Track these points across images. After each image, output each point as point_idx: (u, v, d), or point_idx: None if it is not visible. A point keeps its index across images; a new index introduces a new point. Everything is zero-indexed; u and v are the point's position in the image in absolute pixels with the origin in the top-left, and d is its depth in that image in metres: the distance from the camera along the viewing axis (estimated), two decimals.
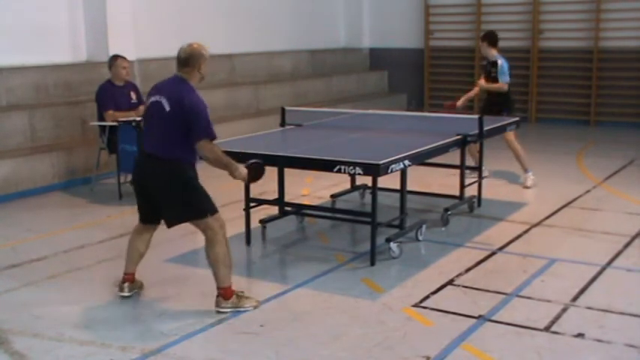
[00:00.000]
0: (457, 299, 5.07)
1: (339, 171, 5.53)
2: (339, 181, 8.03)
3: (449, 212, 6.89)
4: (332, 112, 8.58)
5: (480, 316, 4.75)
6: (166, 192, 4.77)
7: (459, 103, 8.74)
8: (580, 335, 4.47)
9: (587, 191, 8.14)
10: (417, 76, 14.81)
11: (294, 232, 6.82)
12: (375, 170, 5.43)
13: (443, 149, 6.40)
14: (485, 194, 7.65)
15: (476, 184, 7.44)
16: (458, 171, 7.14)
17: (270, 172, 6.36)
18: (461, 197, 7.13)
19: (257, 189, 6.94)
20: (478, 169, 7.58)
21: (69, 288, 5.40)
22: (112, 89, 8.18)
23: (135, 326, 4.79)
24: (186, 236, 6.20)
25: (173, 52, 4.99)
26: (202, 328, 4.61)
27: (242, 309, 4.83)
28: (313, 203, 7.63)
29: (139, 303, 5.08)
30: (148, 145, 4.84)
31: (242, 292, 4.96)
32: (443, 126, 7.30)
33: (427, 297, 5.10)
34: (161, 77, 5.16)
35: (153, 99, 4.82)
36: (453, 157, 6.97)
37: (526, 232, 6.68)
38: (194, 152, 4.77)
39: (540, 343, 4.38)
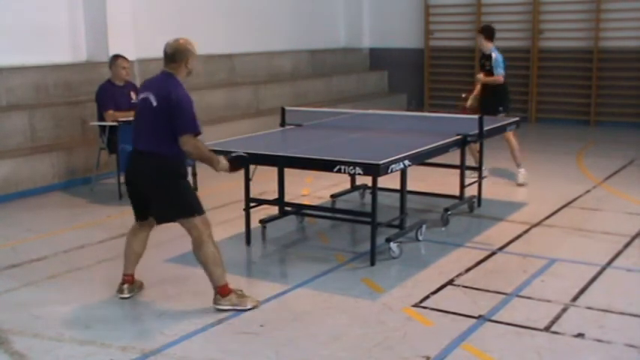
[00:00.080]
0: (457, 299, 5.07)
1: (339, 171, 5.53)
2: (339, 181, 8.03)
3: (449, 212, 6.89)
4: (332, 112, 8.57)
5: (479, 316, 4.75)
6: (155, 188, 4.79)
7: (468, 104, 8.76)
8: (580, 335, 4.47)
9: (587, 191, 8.14)
10: (417, 76, 14.81)
11: (294, 232, 6.82)
12: (375, 170, 5.43)
13: (443, 149, 6.40)
14: (485, 194, 7.65)
15: (476, 184, 7.44)
16: (458, 171, 7.15)
17: (271, 172, 6.38)
18: (461, 197, 7.13)
19: (257, 189, 6.95)
20: (478, 169, 7.59)
21: (69, 288, 5.40)
22: (112, 89, 8.18)
23: (135, 326, 4.79)
24: (186, 236, 6.16)
25: None
26: (202, 328, 4.61)
27: (241, 308, 4.83)
28: (313, 203, 7.63)
29: (139, 303, 5.08)
30: (138, 141, 4.86)
31: (241, 290, 4.97)
32: (443, 126, 7.30)
33: (427, 297, 5.10)
34: None
35: (142, 96, 4.86)
36: (453, 157, 6.97)
37: (526, 232, 6.68)
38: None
39: (540, 343, 4.38)
